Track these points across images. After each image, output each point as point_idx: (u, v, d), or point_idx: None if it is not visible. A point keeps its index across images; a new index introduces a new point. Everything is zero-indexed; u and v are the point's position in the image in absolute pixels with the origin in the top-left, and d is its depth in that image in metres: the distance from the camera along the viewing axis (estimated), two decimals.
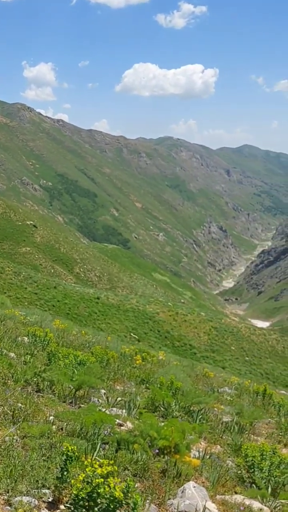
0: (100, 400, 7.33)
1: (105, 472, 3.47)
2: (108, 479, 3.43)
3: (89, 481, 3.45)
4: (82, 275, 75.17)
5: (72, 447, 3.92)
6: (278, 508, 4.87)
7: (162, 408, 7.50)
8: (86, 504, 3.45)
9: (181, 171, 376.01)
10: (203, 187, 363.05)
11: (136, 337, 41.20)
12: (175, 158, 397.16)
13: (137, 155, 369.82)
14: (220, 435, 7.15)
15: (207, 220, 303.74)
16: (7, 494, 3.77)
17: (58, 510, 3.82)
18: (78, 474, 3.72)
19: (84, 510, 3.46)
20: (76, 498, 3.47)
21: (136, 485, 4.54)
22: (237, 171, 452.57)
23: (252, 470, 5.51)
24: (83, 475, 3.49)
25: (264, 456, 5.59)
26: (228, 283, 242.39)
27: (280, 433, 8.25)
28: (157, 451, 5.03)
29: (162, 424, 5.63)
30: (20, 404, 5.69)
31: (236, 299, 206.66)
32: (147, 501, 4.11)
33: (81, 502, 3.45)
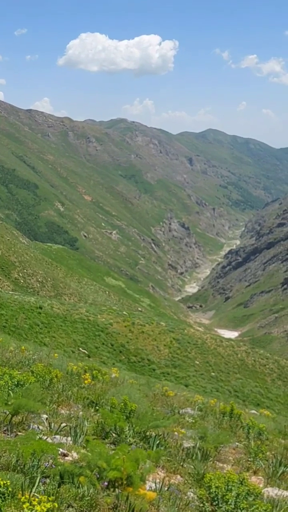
0: (41, 427, 7.26)
1: (45, 509, 3.45)
2: None
3: None
4: (22, 281, 74.12)
5: (5, 482, 3.88)
6: None
7: (113, 434, 7.51)
8: None
9: (137, 159, 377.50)
10: (162, 178, 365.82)
11: (86, 352, 41.01)
12: (130, 144, 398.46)
13: (85, 140, 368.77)
14: (181, 463, 7.22)
15: (167, 215, 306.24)
16: None
17: None
18: None
19: None
20: None
21: None
22: (200, 160, 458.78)
23: (216, 502, 5.58)
24: None
25: (230, 487, 5.67)
26: (192, 288, 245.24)
27: (249, 459, 8.40)
28: (106, 483, 5.03)
29: (113, 452, 5.64)
30: None
31: (201, 306, 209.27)
32: None
33: None
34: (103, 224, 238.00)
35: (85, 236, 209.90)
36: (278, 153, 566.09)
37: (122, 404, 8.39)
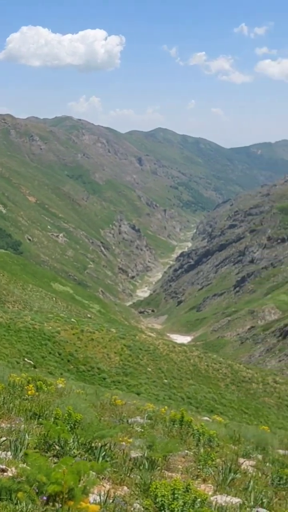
0: None
1: None
2: None
3: None
4: None
5: None
6: None
7: (57, 446, 7.45)
8: None
9: (84, 158, 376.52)
10: (111, 178, 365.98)
11: (32, 362, 40.52)
12: (76, 143, 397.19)
13: (28, 138, 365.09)
14: (127, 474, 7.22)
15: (116, 217, 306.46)
16: None
17: None
18: None
19: None
20: None
21: None
22: (150, 159, 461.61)
23: None
24: None
25: (176, 495, 5.73)
26: (143, 292, 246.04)
27: (199, 467, 8.49)
28: (46, 498, 4.99)
29: (55, 465, 5.60)
30: None
31: (153, 310, 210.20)
32: None
33: None
34: (49, 226, 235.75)
35: (29, 240, 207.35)
36: (229, 153, 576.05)
37: (66, 415, 8.34)
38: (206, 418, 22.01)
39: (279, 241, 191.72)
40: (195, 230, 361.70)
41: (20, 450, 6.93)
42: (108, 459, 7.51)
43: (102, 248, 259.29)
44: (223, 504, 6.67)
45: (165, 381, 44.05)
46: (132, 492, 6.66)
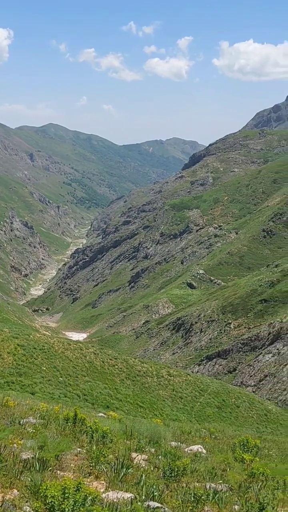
0: None
1: None
2: None
3: None
4: None
5: None
6: None
7: None
8: None
9: None
10: (1, 174, 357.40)
11: None
12: None
13: None
14: (17, 476, 7.08)
15: (8, 214, 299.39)
16: None
17: None
18: None
19: None
20: None
21: None
22: (42, 155, 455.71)
23: None
24: None
25: (67, 495, 5.70)
26: (37, 290, 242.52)
27: (91, 464, 8.48)
28: None
29: None
30: None
31: (47, 309, 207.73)
32: None
33: None
34: None
35: None
36: (121, 150, 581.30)
37: None
38: (101, 414, 22.08)
39: (171, 236, 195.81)
40: (89, 227, 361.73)
41: None
42: None
43: None
44: (115, 500, 6.71)
45: (60, 379, 43.70)
46: (22, 495, 6.53)
